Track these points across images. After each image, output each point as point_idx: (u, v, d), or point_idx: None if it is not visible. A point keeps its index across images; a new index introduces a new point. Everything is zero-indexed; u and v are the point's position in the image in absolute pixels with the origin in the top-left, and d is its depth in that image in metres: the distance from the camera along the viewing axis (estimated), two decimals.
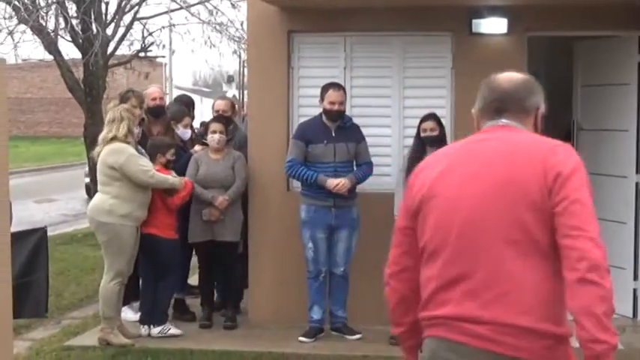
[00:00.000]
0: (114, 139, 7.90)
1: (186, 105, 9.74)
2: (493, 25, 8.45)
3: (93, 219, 8.03)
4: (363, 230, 8.24)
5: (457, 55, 8.56)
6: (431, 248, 3.24)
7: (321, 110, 8.12)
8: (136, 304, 8.87)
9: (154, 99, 9.01)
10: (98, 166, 8.05)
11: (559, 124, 9.47)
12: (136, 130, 8.08)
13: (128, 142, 7.91)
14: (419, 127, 8.03)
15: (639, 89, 8.59)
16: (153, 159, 8.16)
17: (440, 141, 8.03)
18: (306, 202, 8.16)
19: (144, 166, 7.85)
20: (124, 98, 8.63)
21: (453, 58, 8.58)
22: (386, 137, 8.65)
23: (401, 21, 8.51)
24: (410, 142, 8.18)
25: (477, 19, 8.44)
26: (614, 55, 8.91)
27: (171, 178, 8.01)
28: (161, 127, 8.96)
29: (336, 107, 8.01)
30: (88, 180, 18.14)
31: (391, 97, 8.65)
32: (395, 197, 8.12)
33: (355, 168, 8.21)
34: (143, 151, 8.24)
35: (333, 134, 8.09)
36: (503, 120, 3.32)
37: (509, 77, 3.38)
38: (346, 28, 8.64)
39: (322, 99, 8.06)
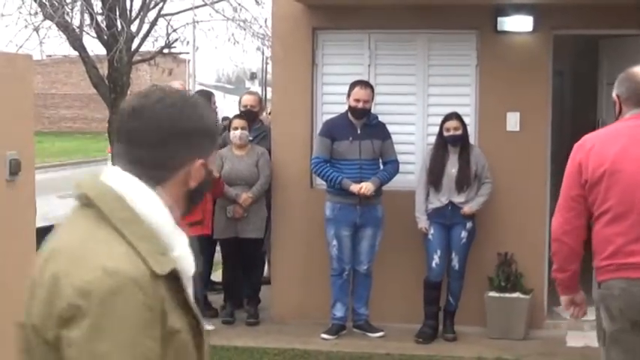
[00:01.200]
0: None
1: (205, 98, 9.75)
2: (519, 23, 8.38)
3: None
4: (386, 228, 8.23)
5: (482, 53, 8.51)
6: (617, 212, 4.22)
7: (347, 107, 8.13)
8: None
9: None
10: None
11: (584, 122, 9.42)
12: None
13: None
14: (441, 127, 8.02)
15: None
16: None
17: (462, 140, 8.01)
18: (331, 200, 8.14)
19: None
20: None
21: (478, 56, 8.53)
22: (410, 135, 8.61)
23: (426, 18, 8.49)
24: (434, 140, 8.18)
25: (502, 17, 8.37)
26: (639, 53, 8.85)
27: None
28: None
29: (360, 105, 7.99)
30: None
31: (415, 94, 8.61)
32: (416, 196, 8.11)
33: (381, 166, 8.21)
34: None
35: (359, 131, 8.07)
36: None
37: None
38: (371, 25, 8.62)
39: (348, 95, 8.04)
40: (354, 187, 7.92)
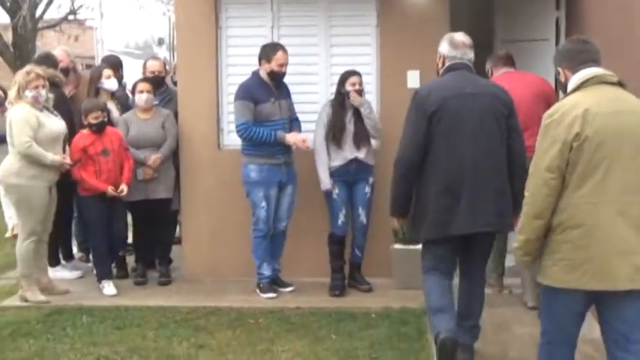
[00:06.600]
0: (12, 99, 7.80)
1: (113, 65, 9.59)
2: None
3: (3, 181, 7.85)
4: None
5: (382, 14, 8.51)
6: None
7: (260, 70, 7.94)
8: (70, 264, 8.83)
9: (61, 61, 9.00)
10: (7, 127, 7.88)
11: (480, 73, 9.54)
12: (42, 93, 7.71)
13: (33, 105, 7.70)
14: (343, 82, 7.95)
15: (557, 44, 8.68)
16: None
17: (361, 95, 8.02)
18: (256, 162, 7.93)
19: (24, 134, 7.58)
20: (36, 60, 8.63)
21: (377, 16, 8.53)
22: (313, 94, 8.56)
23: None
24: None
25: None
26: (533, 11, 8.98)
27: (50, 156, 7.66)
28: (72, 86, 9.00)
29: (284, 69, 7.92)
30: None
31: (318, 55, 8.60)
32: (317, 155, 8.03)
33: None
34: (56, 113, 8.04)
35: (276, 92, 7.98)
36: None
37: None
38: None
39: (268, 60, 7.86)
40: (291, 137, 7.85)
